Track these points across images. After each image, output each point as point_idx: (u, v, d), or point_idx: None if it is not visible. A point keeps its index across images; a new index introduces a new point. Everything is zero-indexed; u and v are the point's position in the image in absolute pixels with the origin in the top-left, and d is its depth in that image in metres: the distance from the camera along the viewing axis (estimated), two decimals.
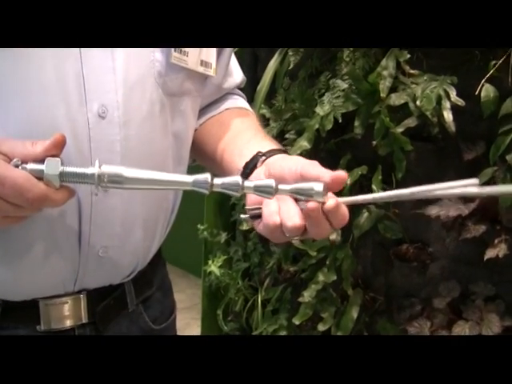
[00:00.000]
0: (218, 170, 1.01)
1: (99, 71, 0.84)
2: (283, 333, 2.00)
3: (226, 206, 2.26)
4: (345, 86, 1.68)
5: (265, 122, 1.92)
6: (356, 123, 1.68)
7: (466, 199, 1.59)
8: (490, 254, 1.52)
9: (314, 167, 0.78)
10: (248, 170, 0.90)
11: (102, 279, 0.93)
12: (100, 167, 0.74)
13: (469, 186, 0.74)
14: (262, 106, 1.91)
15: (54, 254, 0.85)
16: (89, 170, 0.74)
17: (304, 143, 1.73)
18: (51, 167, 0.74)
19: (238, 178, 0.75)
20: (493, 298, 1.63)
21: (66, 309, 0.91)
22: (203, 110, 1.07)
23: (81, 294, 0.91)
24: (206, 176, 0.75)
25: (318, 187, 0.74)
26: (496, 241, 1.54)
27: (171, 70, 0.90)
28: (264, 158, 0.89)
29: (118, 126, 0.85)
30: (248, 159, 0.91)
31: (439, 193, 0.76)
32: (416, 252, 1.80)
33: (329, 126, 1.70)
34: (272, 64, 1.90)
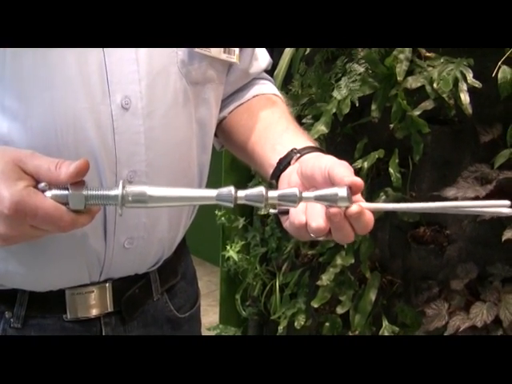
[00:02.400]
0: (249, 161, 1.01)
1: (122, 62, 0.83)
2: (302, 316, 2.01)
3: None
4: (361, 69, 1.68)
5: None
6: (373, 107, 1.68)
7: (482, 181, 1.59)
8: (507, 235, 1.52)
9: (339, 167, 0.77)
10: (282, 166, 0.89)
11: (127, 269, 0.93)
12: (124, 187, 0.74)
13: (501, 207, 0.73)
14: (279, 91, 1.91)
15: (79, 245, 0.86)
16: (113, 192, 0.74)
17: (321, 127, 1.74)
18: (76, 195, 0.73)
19: (261, 189, 0.74)
20: (510, 280, 1.63)
21: (92, 298, 0.91)
22: (231, 98, 1.07)
23: (106, 284, 0.92)
24: (230, 189, 0.74)
25: (342, 192, 0.73)
26: None
27: (194, 58, 0.90)
28: (298, 155, 0.88)
29: (142, 117, 0.85)
30: (282, 155, 0.90)
31: (467, 209, 0.75)
32: (433, 234, 1.80)
33: (346, 110, 1.70)
34: (288, 50, 1.90)
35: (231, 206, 0.75)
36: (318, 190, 0.77)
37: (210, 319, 2.93)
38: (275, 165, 0.91)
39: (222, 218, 2.31)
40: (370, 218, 0.75)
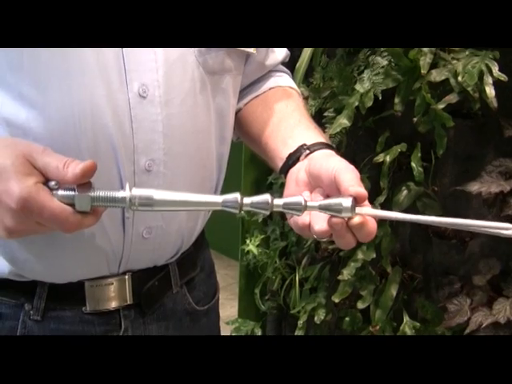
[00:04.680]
0: (262, 153, 1.01)
1: (139, 51, 0.83)
2: (322, 311, 2.00)
3: (263, 185, 2.26)
4: (384, 62, 1.66)
5: (303, 100, 1.91)
6: (396, 100, 1.67)
7: (507, 175, 1.58)
8: None
9: (346, 173, 0.77)
10: (291, 161, 0.90)
11: (146, 260, 0.93)
12: (130, 190, 0.74)
13: (503, 229, 0.74)
14: (301, 84, 1.90)
15: (98, 235, 0.86)
16: (119, 194, 0.74)
17: (344, 121, 1.72)
18: (82, 196, 0.74)
19: (267, 197, 0.75)
20: None
21: (111, 290, 0.92)
22: (247, 89, 1.07)
23: (126, 276, 0.92)
24: (236, 196, 0.75)
25: (347, 203, 0.74)
26: None
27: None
28: (308, 151, 0.89)
29: (160, 106, 0.85)
30: (292, 150, 0.91)
31: (472, 228, 0.76)
32: (455, 229, 1.78)
33: (369, 104, 1.68)
34: None
35: (237, 212, 0.76)
36: (323, 197, 0.80)
37: (227, 313, 2.94)
38: (285, 159, 0.91)
39: (242, 212, 2.30)
40: (372, 226, 0.76)
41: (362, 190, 0.75)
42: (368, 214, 0.76)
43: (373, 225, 0.76)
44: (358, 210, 0.75)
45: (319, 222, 0.77)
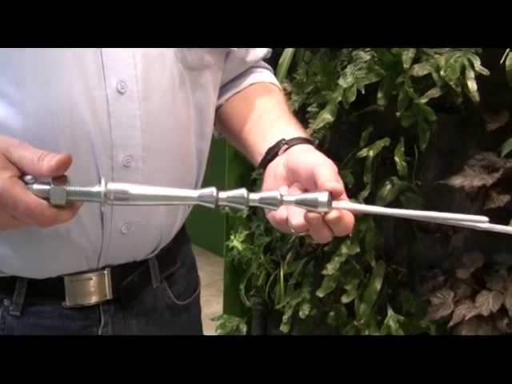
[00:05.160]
0: (242, 149, 1.01)
1: None
2: (306, 306, 2.00)
3: (247, 181, 2.26)
4: (367, 57, 1.66)
5: (286, 95, 1.91)
6: (379, 95, 1.67)
7: (489, 169, 1.58)
8: None
9: (323, 168, 0.78)
10: (269, 156, 0.90)
11: (125, 255, 0.93)
12: (106, 185, 0.74)
13: (478, 222, 0.74)
14: (284, 79, 1.90)
15: (76, 231, 0.86)
16: (94, 188, 0.74)
17: (327, 116, 1.72)
18: (57, 190, 0.73)
19: (243, 191, 0.76)
20: None
21: (91, 285, 0.92)
22: (228, 85, 1.07)
23: (105, 271, 0.92)
24: (212, 190, 0.75)
25: (323, 198, 0.74)
26: None
27: None
28: (286, 146, 0.89)
29: (138, 102, 0.85)
30: (271, 145, 0.91)
31: (448, 221, 0.76)
32: (439, 223, 1.79)
33: (352, 98, 1.68)
34: None
35: (212, 206, 0.76)
36: (301, 192, 0.80)
37: (212, 309, 2.94)
38: (264, 154, 0.91)
39: (226, 208, 2.30)
40: (349, 220, 0.76)
41: (338, 185, 0.76)
42: (344, 208, 0.76)
43: (350, 219, 0.76)
44: (334, 204, 0.75)
45: (296, 217, 0.77)
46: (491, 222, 0.75)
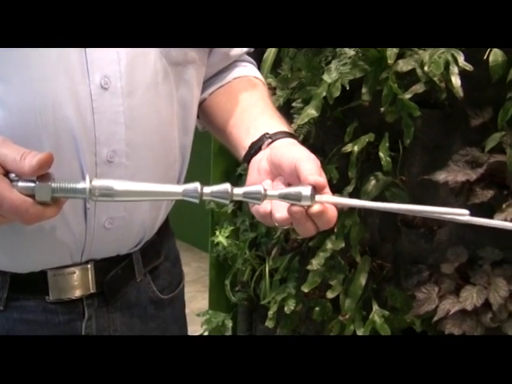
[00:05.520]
0: (227, 143, 1.01)
1: None
2: (292, 301, 2.01)
3: (233, 177, 2.26)
4: (352, 53, 1.66)
5: (271, 91, 1.91)
6: (363, 90, 1.67)
7: (473, 164, 1.59)
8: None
9: (306, 163, 0.78)
10: (253, 150, 0.91)
11: (109, 250, 0.93)
12: (91, 181, 0.74)
13: (459, 215, 0.76)
14: (269, 75, 1.90)
15: (59, 226, 0.86)
16: (80, 185, 0.74)
17: (311, 111, 1.72)
18: (42, 188, 0.73)
19: (226, 186, 0.76)
20: (500, 263, 1.63)
21: (74, 279, 0.91)
22: (212, 79, 1.07)
23: (88, 265, 0.92)
24: (196, 185, 0.76)
25: (306, 192, 0.75)
26: (504, 205, 1.54)
27: None
28: (270, 140, 0.89)
29: (122, 97, 0.85)
30: (254, 139, 0.91)
31: (429, 214, 0.77)
32: (423, 218, 1.79)
33: (336, 94, 1.68)
34: None
35: (197, 201, 0.76)
36: (285, 186, 0.81)
37: (198, 305, 2.94)
38: (247, 148, 0.92)
39: (211, 203, 2.30)
40: (332, 214, 0.77)
41: (320, 179, 0.76)
42: (328, 202, 0.77)
43: (333, 212, 0.77)
44: (317, 197, 0.76)
45: (280, 210, 0.78)
46: (475, 216, 0.76)
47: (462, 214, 0.75)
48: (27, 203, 0.72)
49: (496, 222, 0.79)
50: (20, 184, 0.73)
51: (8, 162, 0.73)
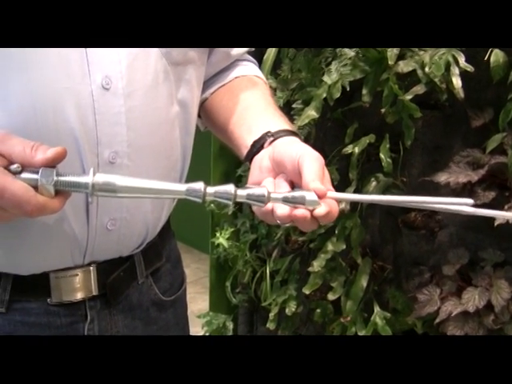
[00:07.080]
0: (229, 142, 1.01)
1: None
2: (293, 303, 2.00)
3: (233, 178, 2.26)
4: (352, 54, 1.66)
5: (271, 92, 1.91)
6: (364, 91, 1.67)
7: (474, 165, 1.59)
8: (499, 220, 1.52)
9: (309, 162, 0.78)
10: (255, 149, 0.90)
11: (111, 251, 0.93)
12: (94, 176, 0.74)
13: (463, 205, 0.75)
14: (269, 76, 1.89)
15: (61, 227, 0.85)
16: (83, 179, 0.74)
17: (312, 112, 1.72)
18: (46, 179, 0.73)
19: (230, 187, 0.76)
20: (502, 265, 1.62)
21: (77, 281, 0.91)
22: (213, 79, 1.07)
23: (90, 267, 0.92)
24: (200, 185, 0.75)
25: (310, 196, 0.75)
26: (505, 207, 1.54)
27: None
28: (272, 138, 0.89)
29: (123, 98, 0.85)
30: (256, 137, 0.91)
31: (432, 206, 0.77)
32: (424, 220, 1.80)
33: (337, 95, 1.68)
34: None
35: (200, 201, 0.76)
36: (287, 183, 0.81)
37: (198, 306, 2.94)
38: (249, 147, 0.91)
39: (211, 205, 2.29)
40: (334, 210, 0.77)
41: (321, 188, 0.76)
42: (333, 198, 0.76)
43: (335, 208, 0.77)
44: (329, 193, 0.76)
45: (281, 207, 0.77)
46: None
47: (465, 204, 0.75)
48: (29, 194, 0.72)
49: (501, 213, 0.82)
50: (23, 175, 0.73)
51: (15, 153, 0.72)
